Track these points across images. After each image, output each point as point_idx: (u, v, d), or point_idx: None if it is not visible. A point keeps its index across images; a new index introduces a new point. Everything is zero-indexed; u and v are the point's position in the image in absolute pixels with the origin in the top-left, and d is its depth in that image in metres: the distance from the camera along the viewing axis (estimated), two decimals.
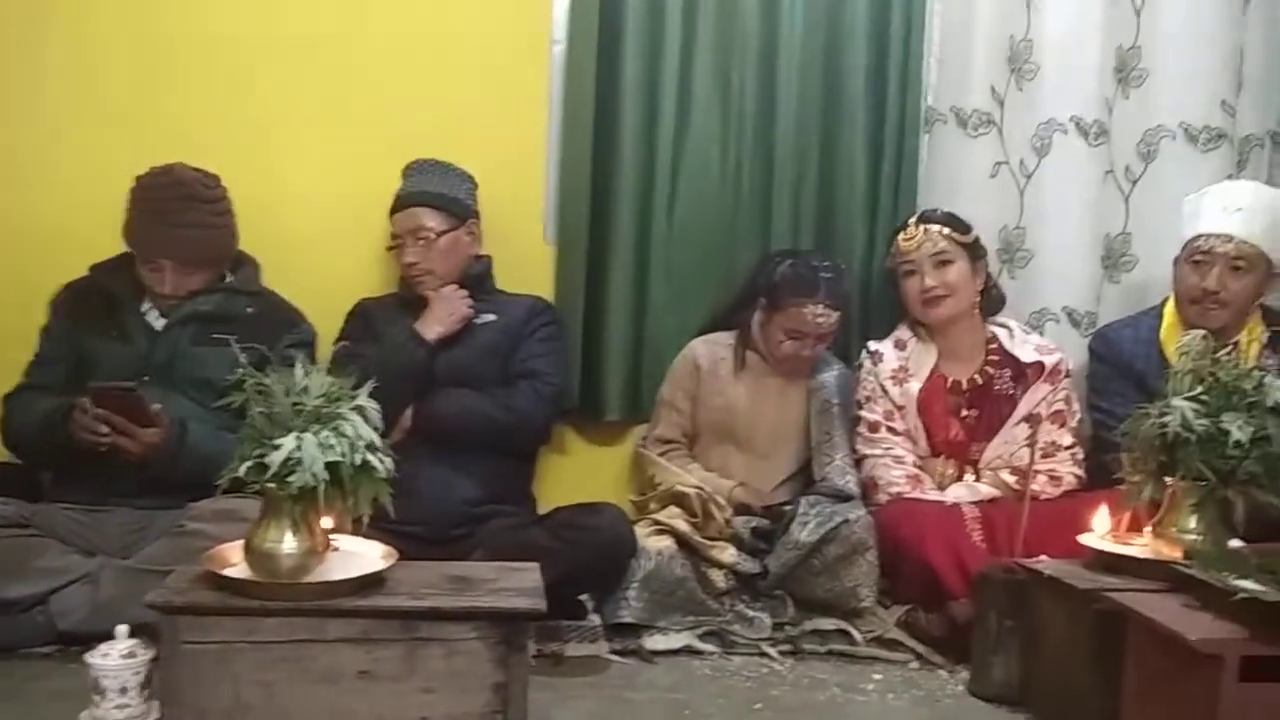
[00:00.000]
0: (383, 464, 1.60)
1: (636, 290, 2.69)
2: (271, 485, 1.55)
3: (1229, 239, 2.48)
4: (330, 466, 1.54)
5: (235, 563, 1.64)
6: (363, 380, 1.66)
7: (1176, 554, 1.84)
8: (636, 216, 2.67)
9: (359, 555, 1.70)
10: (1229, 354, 1.97)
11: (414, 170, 2.50)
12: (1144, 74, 2.79)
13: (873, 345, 2.64)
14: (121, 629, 1.66)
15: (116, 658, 1.64)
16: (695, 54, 2.69)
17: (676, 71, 2.67)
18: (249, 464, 1.55)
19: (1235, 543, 1.88)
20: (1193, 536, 1.86)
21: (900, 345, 2.62)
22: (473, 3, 2.66)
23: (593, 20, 2.61)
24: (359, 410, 1.62)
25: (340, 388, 1.64)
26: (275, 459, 1.53)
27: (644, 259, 2.69)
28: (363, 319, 2.48)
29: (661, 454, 2.58)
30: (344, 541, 1.70)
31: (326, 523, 1.64)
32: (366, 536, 1.72)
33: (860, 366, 2.64)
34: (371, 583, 1.63)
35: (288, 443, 1.54)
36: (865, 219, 2.75)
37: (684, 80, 2.69)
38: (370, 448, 1.59)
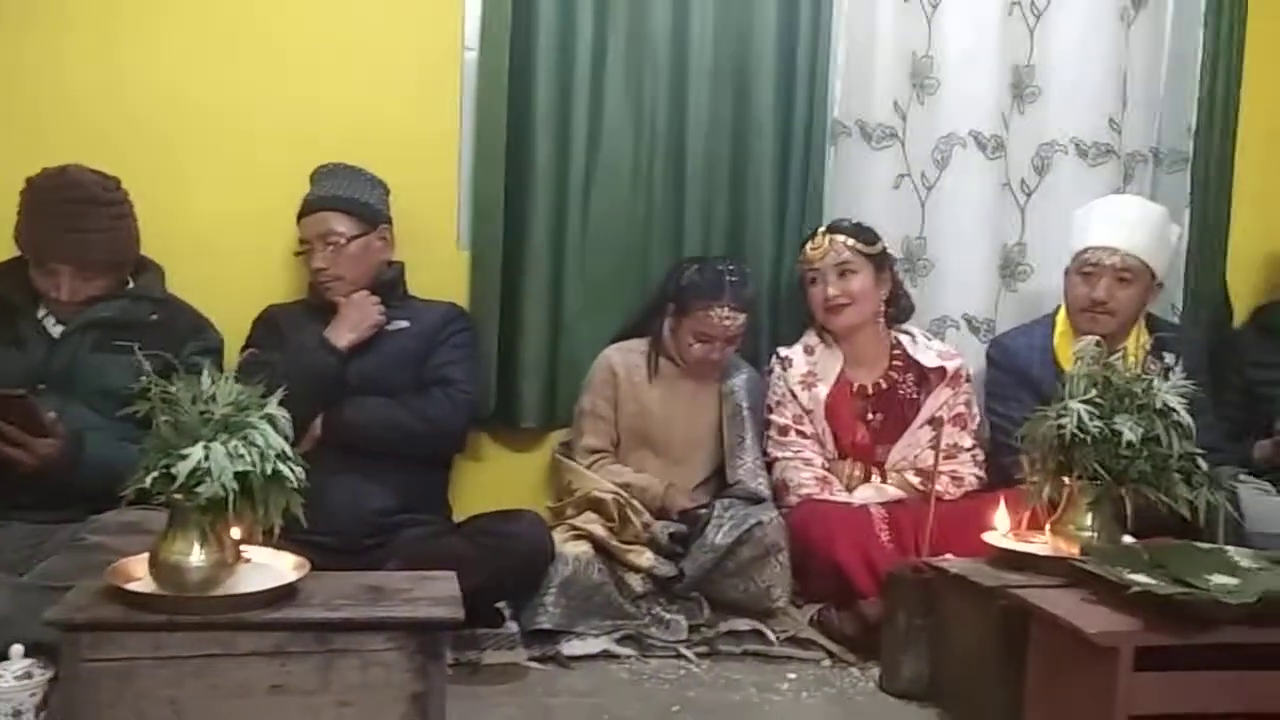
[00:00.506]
0: (294, 474, 1.57)
1: (552, 296, 2.69)
2: (178, 496, 1.51)
3: (1115, 251, 2.60)
4: (240, 476, 1.51)
5: (140, 577, 1.59)
6: (272, 388, 1.62)
7: (1074, 550, 1.92)
8: (551, 223, 2.67)
9: (270, 567, 1.66)
10: (1120, 359, 2.07)
11: (323, 174, 2.45)
12: (1038, 91, 2.91)
13: (782, 351, 2.69)
14: (16, 649, 1.60)
15: (11, 679, 1.58)
16: (607, 63, 2.71)
17: (588, 80, 2.68)
18: (155, 474, 1.51)
19: (1128, 539, 1.97)
20: (1089, 533, 1.95)
21: (809, 351, 2.68)
22: (385, 8, 2.63)
23: (505, 28, 2.60)
24: (269, 419, 1.59)
25: (249, 396, 1.61)
26: (182, 469, 1.49)
27: (559, 265, 2.69)
28: (270, 326, 2.42)
29: (591, 464, 2.58)
30: (255, 553, 1.66)
31: (236, 534, 1.60)
32: (278, 548, 1.68)
33: (770, 371, 2.69)
34: (283, 595, 1.60)
35: (195, 452, 1.50)
36: (774, 228, 2.79)
37: (596, 89, 2.70)
38: (281, 457, 1.57)
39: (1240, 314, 3.00)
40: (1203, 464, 1.93)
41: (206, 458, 1.50)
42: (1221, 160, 2.96)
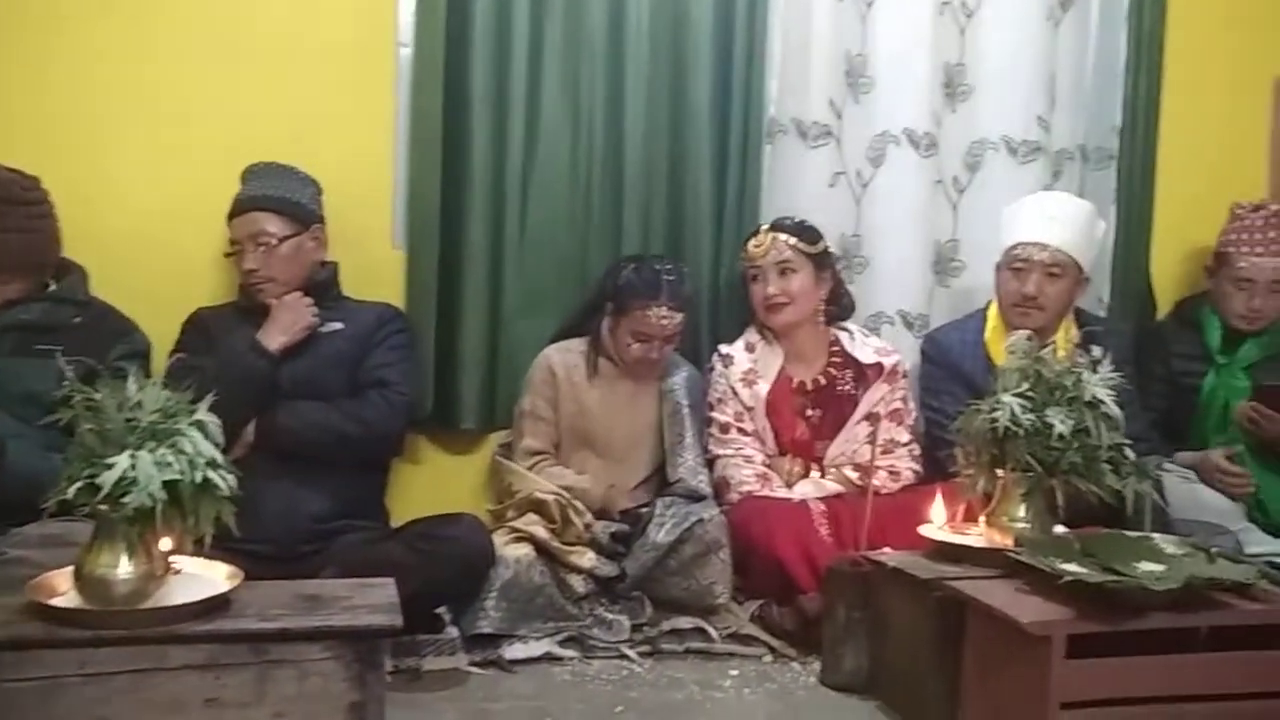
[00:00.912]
0: (225, 481, 1.53)
1: (490, 295, 2.67)
2: (104, 507, 1.47)
3: (1044, 247, 2.65)
4: (168, 485, 1.47)
5: (64, 591, 1.55)
6: (201, 393, 1.59)
7: (1008, 541, 1.96)
8: (488, 221, 2.65)
9: (202, 577, 1.62)
10: (1051, 353, 2.11)
11: (254, 173, 2.40)
12: (969, 89, 2.95)
13: (724, 349, 2.70)
14: None
15: None
16: (544, 59, 2.69)
17: (525, 76, 2.67)
18: (79, 485, 1.46)
19: (1060, 529, 2.01)
20: (1022, 524, 1.98)
21: (750, 348, 2.69)
22: (316, 4, 2.58)
23: (439, 24, 2.58)
24: (198, 425, 1.55)
25: (178, 402, 1.57)
26: (108, 479, 1.45)
27: (497, 264, 2.67)
28: (200, 329, 2.36)
29: (532, 465, 2.56)
30: (185, 564, 1.62)
31: (165, 545, 1.56)
32: (210, 558, 1.64)
33: (712, 369, 2.70)
34: (216, 605, 1.57)
35: (121, 461, 1.46)
36: (712, 226, 2.80)
37: (533, 87, 2.68)
38: (211, 464, 1.53)
39: (1163, 307, 3.08)
40: (1130, 454, 1.98)
41: (133, 466, 1.46)
42: (1145, 157, 3.03)
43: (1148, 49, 3.01)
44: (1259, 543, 2.55)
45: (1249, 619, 1.76)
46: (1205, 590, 1.76)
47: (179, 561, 1.61)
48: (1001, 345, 2.50)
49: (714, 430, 2.64)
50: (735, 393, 2.64)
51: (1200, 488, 2.63)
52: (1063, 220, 2.69)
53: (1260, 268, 2.77)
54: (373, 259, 2.60)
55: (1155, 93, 3.03)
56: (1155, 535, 2.01)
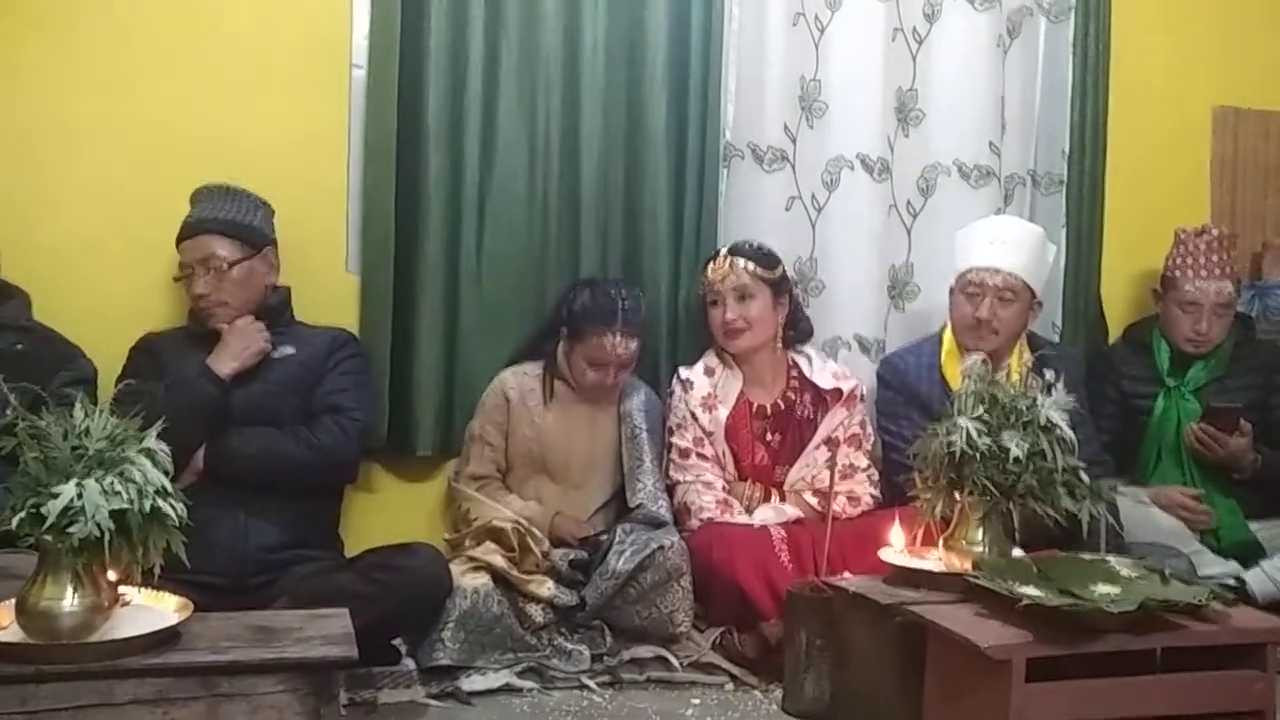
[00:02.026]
0: (175, 510, 1.50)
1: (446, 320, 2.65)
2: (48, 537, 1.43)
3: (997, 272, 2.69)
4: (116, 515, 1.44)
5: (5, 625, 1.51)
6: (150, 420, 1.55)
7: (967, 565, 1.97)
8: (444, 245, 2.63)
9: (151, 610, 1.59)
10: (1005, 377, 2.13)
11: (203, 196, 2.36)
12: (921, 114, 2.99)
13: (683, 373, 2.70)
14: None
15: None
16: (499, 84, 2.69)
17: (480, 100, 2.66)
18: (22, 515, 1.42)
19: (1017, 551, 2.03)
20: (980, 548, 2.00)
21: (709, 372, 2.69)
22: (268, 24, 2.56)
23: (393, 46, 2.56)
24: (147, 453, 1.52)
25: (126, 429, 1.53)
26: (53, 508, 1.42)
27: (453, 288, 2.65)
28: (149, 355, 2.31)
29: (476, 490, 2.53)
30: (134, 596, 1.59)
31: (112, 576, 1.52)
32: (159, 589, 1.61)
33: (672, 393, 2.69)
34: (166, 638, 1.53)
35: (67, 490, 1.43)
36: (670, 250, 2.80)
37: (488, 109, 2.68)
38: (161, 493, 1.50)
39: (1114, 329, 3.14)
40: (1085, 477, 2.00)
41: (79, 496, 1.43)
42: (1093, 182, 3.09)
43: (1093, 76, 3.09)
44: (1211, 564, 2.59)
45: (1202, 640, 1.78)
46: (1160, 612, 1.78)
47: (127, 593, 1.58)
48: (956, 369, 2.53)
49: (674, 455, 2.64)
50: (695, 417, 2.64)
51: (1154, 510, 2.68)
52: (1014, 245, 2.73)
53: (1204, 291, 2.84)
54: (326, 283, 2.57)
55: (1101, 119, 3.10)
56: (1110, 558, 2.03)
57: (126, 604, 1.56)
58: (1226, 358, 2.88)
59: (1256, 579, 2.56)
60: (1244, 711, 1.78)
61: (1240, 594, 2.35)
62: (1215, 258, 2.87)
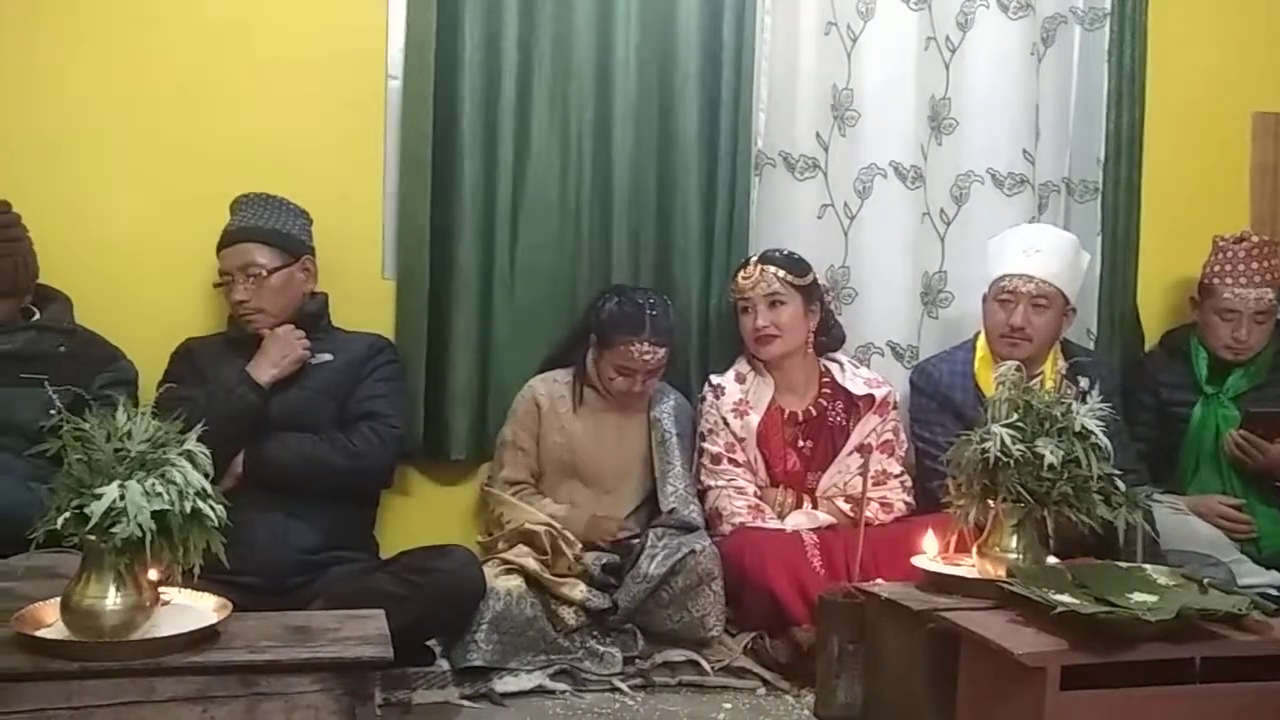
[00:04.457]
0: (214, 512, 1.52)
1: (480, 326, 2.67)
2: (92, 538, 1.46)
3: (1030, 279, 2.67)
4: (157, 516, 1.47)
5: (51, 622, 1.53)
6: (190, 424, 1.58)
7: (1001, 572, 1.95)
8: (478, 251, 2.66)
9: (191, 609, 1.62)
10: (1039, 384, 2.12)
11: (243, 204, 2.40)
12: (954, 123, 2.98)
13: (714, 379, 2.70)
14: None
15: None
16: (533, 92, 2.71)
17: (514, 109, 2.69)
18: (67, 515, 1.45)
19: (1052, 559, 2.01)
20: (1014, 555, 1.98)
21: (740, 379, 2.70)
22: (307, 35, 2.60)
23: (429, 57, 2.60)
24: (187, 455, 1.54)
25: (167, 432, 1.56)
26: (96, 509, 1.44)
27: (487, 295, 2.68)
28: (189, 360, 2.35)
29: (511, 495, 2.55)
30: (174, 595, 1.61)
31: (154, 576, 1.55)
32: (199, 589, 1.63)
33: (703, 399, 2.70)
34: (205, 637, 1.55)
35: (110, 491, 1.45)
36: (701, 258, 2.81)
37: (522, 119, 2.70)
38: (201, 495, 1.52)
39: (1151, 337, 3.10)
40: (1121, 485, 1.98)
41: (122, 497, 1.45)
42: (1129, 190, 3.06)
43: (1129, 84, 3.06)
44: (1251, 574, 2.55)
45: (1242, 650, 1.76)
46: (1198, 621, 1.75)
47: (168, 593, 1.60)
48: (990, 376, 2.51)
49: (705, 461, 2.64)
50: (726, 423, 2.64)
51: (1191, 518, 2.64)
52: (1048, 252, 2.71)
53: (1244, 298, 2.80)
54: (363, 289, 2.61)
55: (1138, 126, 3.07)
56: (1147, 566, 2.01)
57: (167, 603, 1.59)
58: (1266, 365, 2.84)
59: None
60: None
61: None
62: (1255, 265, 2.83)
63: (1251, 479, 2.75)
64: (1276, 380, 2.84)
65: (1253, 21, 3.26)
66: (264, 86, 2.57)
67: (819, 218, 2.89)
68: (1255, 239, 2.88)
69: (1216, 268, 2.87)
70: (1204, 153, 3.21)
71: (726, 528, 2.54)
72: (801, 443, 2.68)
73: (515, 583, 2.30)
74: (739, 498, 2.58)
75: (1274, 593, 2.45)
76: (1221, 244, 2.90)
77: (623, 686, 2.27)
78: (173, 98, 2.51)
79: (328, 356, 2.38)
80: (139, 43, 2.50)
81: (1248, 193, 3.27)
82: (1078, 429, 1.98)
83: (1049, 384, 2.60)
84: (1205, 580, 1.92)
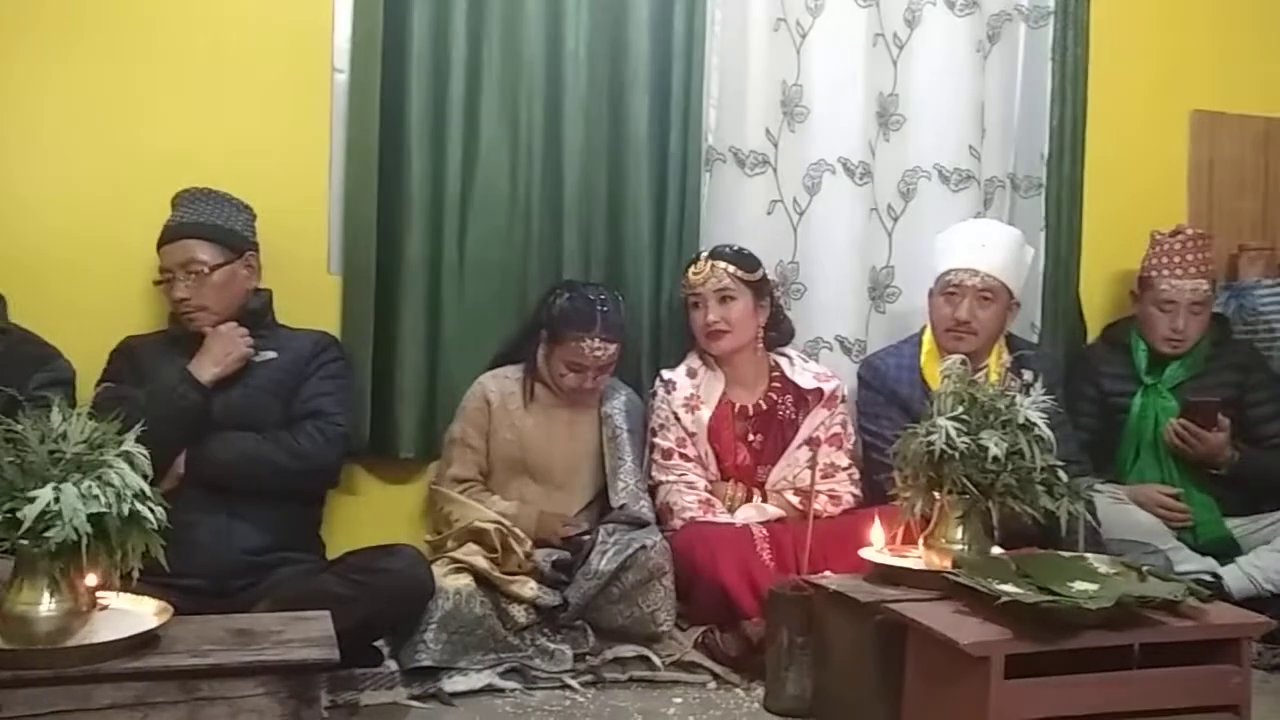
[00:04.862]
0: (154, 514, 1.49)
1: (429, 323, 2.64)
2: (25, 542, 1.42)
3: (976, 273, 2.71)
4: (94, 519, 1.44)
5: None
6: (130, 424, 1.55)
7: (946, 563, 1.98)
8: (426, 246, 2.63)
9: (130, 614, 1.58)
10: (984, 377, 2.15)
11: (185, 199, 2.35)
12: (902, 119, 3.01)
13: (666, 374, 2.70)
14: None
15: None
16: (482, 86, 2.69)
17: (463, 103, 2.66)
18: None
19: (997, 550, 2.04)
20: (959, 546, 2.01)
21: (692, 374, 2.70)
22: (250, 27, 2.55)
23: (375, 50, 2.57)
24: (126, 456, 1.51)
25: (104, 432, 1.53)
26: (29, 512, 1.41)
27: (435, 290, 2.65)
28: (128, 359, 2.30)
29: (460, 493, 2.53)
30: (112, 600, 1.58)
31: (91, 580, 1.51)
32: (139, 593, 1.60)
33: (654, 395, 2.70)
34: (145, 642, 1.53)
35: (44, 494, 1.42)
36: (652, 253, 2.81)
37: (471, 113, 2.68)
38: (140, 497, 1.49)
39: (1093, 330, 3.16)
40: (1063, 476, 2.02)
41: (56, 499, 1.42)
42: (1072, 186, 3.12)
43: (1072, 82, 3.11)
44: (1188, 561, 2.61)
45: (1178, 636, 1.80)
46: (1137, 608, 1.79)
47: (105, 597, 1.56)
48: (936, 369, 2.54)
49: (656, 456, 2.64)
50: (678, 418, 2.64)
51: (1131, 508, 2.70)
52: (993, 247, 2.75)
53: (1180, 290, 2.87)
54: (308, 286, 2.57)
55: (1080, 124, 3.12)
56: (1089, 555, 2.05)
57: (105, 608, 1.55)
58: (1203, 356, 2.91)
59: (1233, 575, 2.58)
60: (1220, 706, 1.80)
61: (1217, 590, 2.38)
62: (1190, 257, 2.90)
63: (1189, 467, 2.81)
64: (1213, 370, 2.91)
65: (1191, 22, 3.34)
66: (206, 79, 2.52)
67: (768, 213, 2.90)
68: (1190, 232, 2.95)
69: (1154, 261, 2.94)
70: (1144, 150, 3.28)
71: (677, 523, 2.54)
72: (751, 437, 2.69)
73: (464, 581, 2.28)
74: (689, 492, 2.58)
75: (1209, 579, 2.51)
76: (1158, 238, 2.96)
77: (573, 683, 2.26)
78: (112, 90, 2.46)
79: (272, 354, 2.34)
80: (76, 34, 2.44)
81: (1185, 189, 3.34)
82: (1022, 421, 2.01)
83: (994, 377, 2.65)
84: (1144, 568, 1.96)
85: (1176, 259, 2.90)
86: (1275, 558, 2.58)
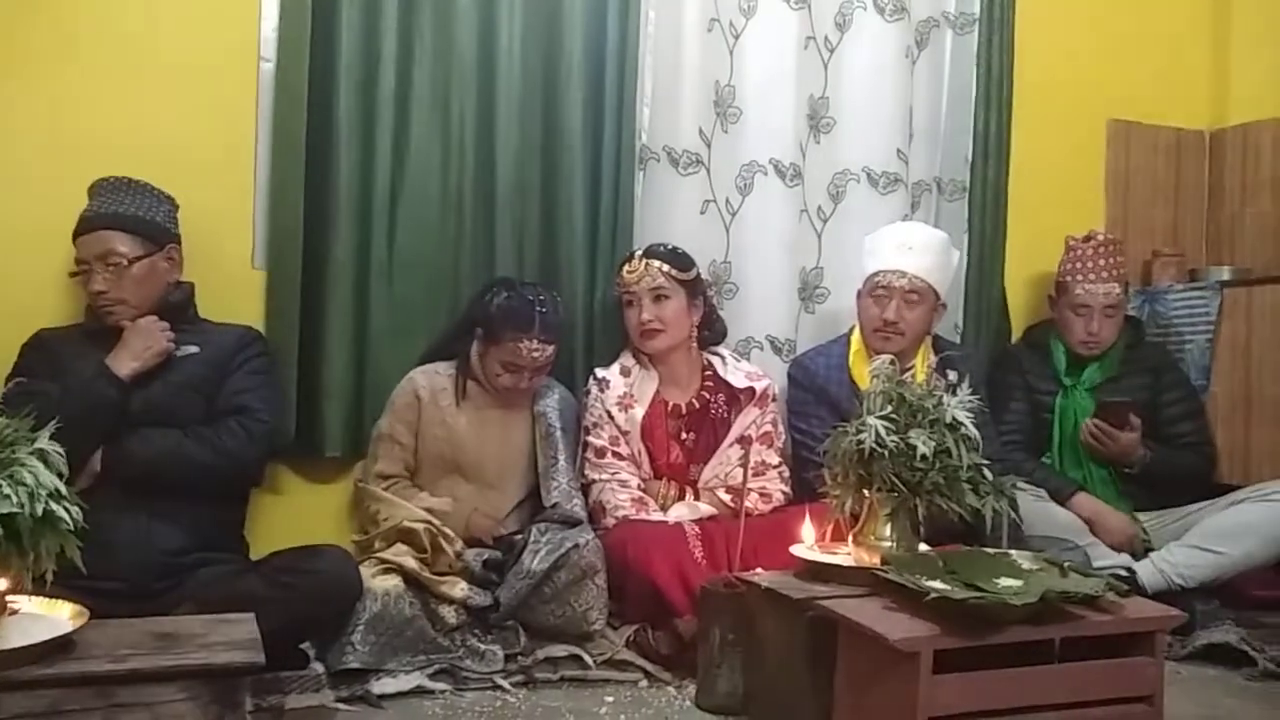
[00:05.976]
0: (69, 514, 1.44)
1: (356, 319, 2.60)
2: None
3: (903, 275, 2.76)
4: (5, 520, 1.39)
5: None
6: (43, 421, 1.49)
7: (875, 560, 2.00)
8: (354, 242, 2.59)
9: (43, 618, 1.53)
10: (911, 377, 2.18)
11: (103, 189, 2.27)
12: (832, 122, 3.05)
13: (600, 372, 2.70)
14: None
15: None
16: (413, 81, 2.66)
17: (393, 97, 2.63)
18: None
19: (924, 547, 2.08)
20: (888, 543, 2.04)
21: (625, 372, 2.70)
22: (175, 13, 2.48)
23: (303, 40, 2.52)
24: (39, 454, 1.46)
25: (16, 430, 1.47)
26: None
27: (363, 286, 2.61)
28: (42, 352, 2.21)
29: (385, 489, 2.50)
30: (24, 604, 1.52)
31: (2, 584, 1.45)
32: (53, 596, 1.54)
33: (588, 393, 2.69)
34: (59, 648, 1.47)
35: None
36: (586, 251, 2.80)
37: (401, 107, 2.64)
38: (54, 496, 1.45)
39: (1017, 330, 3.24)
40: (988, 474, 2.06)
41: None
42: (995, 190, 3.20)
43: (996, 88, 3.19)
44: (1104, 556, 2.69)
45: (1098, 630, 1.85)
46: (1059, 603, 1.84)
47: (17, 602, 1.51)
48: (865, 369, 2.57)
49: (590, 455, 2.64)
50: (611, 416, 2.64)
51: (1051, 505, 2.78)
52: (920, 249, 2.80)
53: (1094, 294, 2.96)
54: (231, 279, 2.51)
55: (1004, 129, 3.20)
56: (1012, 551, 2.09)
57: (16, 613, 1.50)
58: (1118, 359, 3.00)
59: (1146, 570, 2.67)
60: (1136, 696, 1.85)
61: (1131, 584, 2.45)
62: (1103, 261, 2.99)
63: (1103, 466, 2.91)
64: (1128, 373, 3.00)
65: (1111, 34, 3.45)
66: (127, 65, 2.44)
67: (701, 213, 2.92)
68: (1102, 237, 3.04)
69: (1069, 266, 3.02)
70: (1064, 156, 3.38)
71: (610, 521, 2.54)
72: (684, 435, 2.70)
73: (393, 582, 2.25)
74: (622, 491, 2.58)
75: (1124, 573, 2.59)
76: (1073, 243, 3.05)
77: (504, 684, 2.24)
78: (31, 75, 2.37)
79: (193, 349, 2.27)
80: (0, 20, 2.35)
81: (1103, 196, 3.45)
82: (948, 420, 2.04)
83: (920, 377, 2.69)
84: (1065, 564, 2.01)
85: (1090, 264, 2.99)
86: (1185, 553, 2.67)
